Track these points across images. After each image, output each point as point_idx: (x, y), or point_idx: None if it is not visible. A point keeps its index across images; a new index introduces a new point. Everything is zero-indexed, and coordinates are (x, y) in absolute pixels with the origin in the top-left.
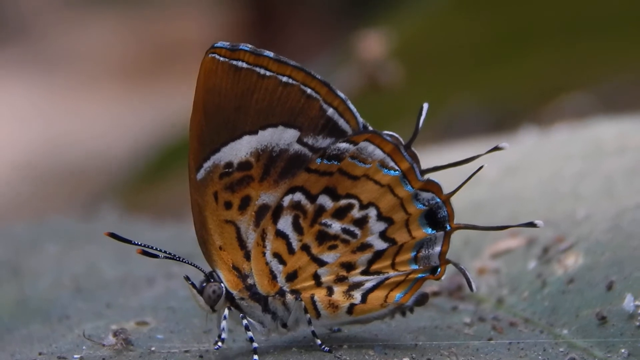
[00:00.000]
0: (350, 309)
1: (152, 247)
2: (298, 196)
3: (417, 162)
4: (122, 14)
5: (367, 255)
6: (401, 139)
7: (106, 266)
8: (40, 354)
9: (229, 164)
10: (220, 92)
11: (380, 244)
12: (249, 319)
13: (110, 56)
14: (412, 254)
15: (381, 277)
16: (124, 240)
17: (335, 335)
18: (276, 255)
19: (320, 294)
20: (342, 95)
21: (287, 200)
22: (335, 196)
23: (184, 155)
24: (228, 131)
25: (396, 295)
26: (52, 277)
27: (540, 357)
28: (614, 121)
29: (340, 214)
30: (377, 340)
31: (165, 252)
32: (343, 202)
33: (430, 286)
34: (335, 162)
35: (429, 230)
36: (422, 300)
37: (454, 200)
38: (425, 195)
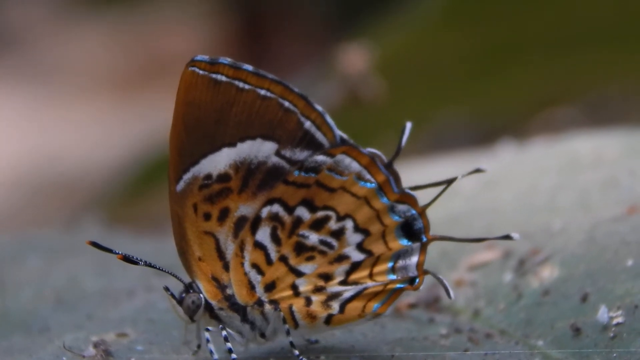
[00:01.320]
0: (328, 319)
1: (133, 257)
2: (276, 208)
3: (397, 178)
4: (113, 27)
5: (344, 266)
6: (380, 154)
7: (87, 278)
8: None
9: (208, 176)
10: (200, 105)
11: (357, 255)
12: (228, 330)
13: (99, 69)
14: (390, 264)
15: (359, 287)
16: (105, 249)
17: (312, 347)
18: (255, 265)
19: (298, 304)
20: (319, 108)
21: (265, 211)
22: (312, 208)
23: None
24: (207, 144)
25: (374, 305)
26: (34, 290)
27: None
28: (590, 135)
29: (317, 225)
30: (354, 352)
31: (145, 261)
32: (320, 214)
33: (407, 298)
34: (313, 175)
35: (405, 242)
36: None
37: (430, 213)
38: (401, 207)
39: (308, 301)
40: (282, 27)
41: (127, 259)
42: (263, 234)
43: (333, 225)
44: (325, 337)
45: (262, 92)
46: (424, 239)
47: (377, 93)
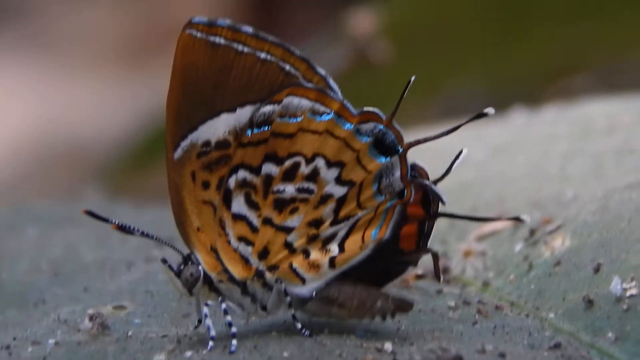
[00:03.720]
0: (332, 262)
1: (129, 226)
2: (242, 174)
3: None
4: None
5: (330, 206)
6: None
7: (85, 249)
8: (14, 338)
9: (206, 143)
10: (198, 69)
11: (339, 190)
12: (228, 302)
13: (108, 38)
14: (374, 187)
15: (351, 220)
16: (101, 218)
17: (316, 320)
18: (241, 238)
19: (297, 260)
20: (322, 71)
21: (232, 181)
22: (278, 160)
23: None
24: (206, 109)
25: (372, 232)
26: (30, 261)
27: (525, 342)
28: (603, 101)
29: (289, 175)
30: (359, 325)
31: (141, 231)
32: (288, 163)
33: (415, 270)
34: (266, 128)
35: (383, 159)
36: (404, 307)
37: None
38: (366, 126)
39: (306, 253)
40: None
41: (121, 228)
42: (238, 204)
43: (304, 169)
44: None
45: (262, 55)
46: (400, 150)
47: (385, 56)
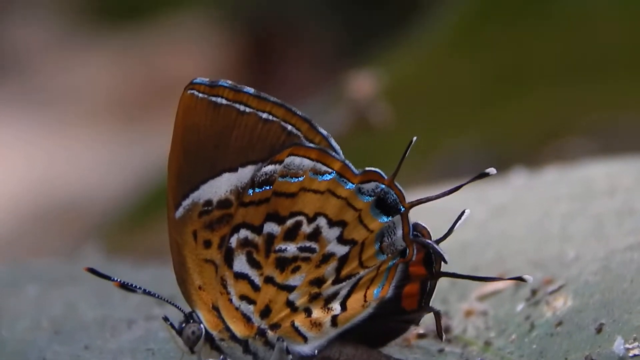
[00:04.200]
0: (334, 320)
1: (130, 285)
2: (244, 233)
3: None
4: (118, 52)
5: (332, 265)
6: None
7: (86, 308)
8: None
9: (208, 202)
10: (200, 129)
11: (341, 249)
12: None
13: (104, 94)
14: (376, 246)
15: (353, 279)
16: (103, 276)
17: None
18: (243, 297)
19: (299, 319)
20: (323, 132)
21: (234, 240)
22: (280, 219)
23: None
24: (207, 169)
25: (374, 291)
26: (31, 319)
27: None
28: (604, 163)
29: (291, 234)
30: None
31: (143, 289)
32: (290, 222)
33: (416, 329)
34: (268, 187)
35: (384, 218)
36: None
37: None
38: (368, 186)
39: (308, 312)
40: (289, 52)
41: (124, 286)
42: (240, 263)
43: (306, 228)
44: None
45: (264, 115)
46: (402, 209)
47: (385, 119)
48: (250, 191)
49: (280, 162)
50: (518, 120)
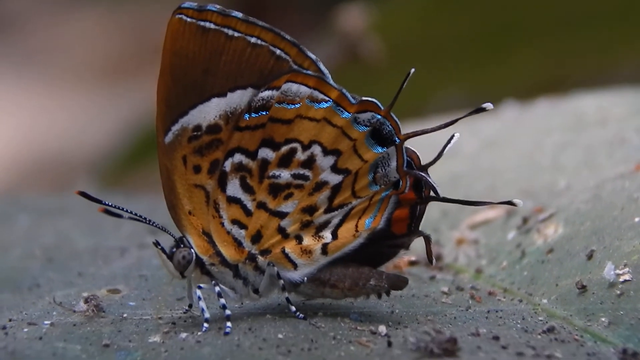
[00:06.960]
0: (324, 248)
1: (117, 207)
2: (238, 157)
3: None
4: (109, 10)
5: (325, 193)
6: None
7: (78, 237)
8: (10, 320)
9: (197, 127)
10: (188, 54)
11: (334, 178)
12: (221, 286)
13: (95, 53)
14: (370, 176)
15: (345, 209)
16: (94, 199)
17: (310, 303)
18: (235, 221)
19: (290, 245)
20: (312, 55)
21: (228, 164)
22: (274, 145)
23: None
24: (196, 94)
25: (365, 221)
26: (23, 248)
27: (518, 326)
28: (595, 95)
29: (285, 161)
30: (353, 308)
31: (130, 212)
32: (284, 148)
33: (408, 256)
34: (264, 113)
35: (379, 149)
36: (399, 284)
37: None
38: (364, 115)
39: (299, 239)
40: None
41: (110, 212)
42: (233, 187)
43: (301, 155)
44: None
45: (253, 39)
46: (397, 140)
47: (376, 53)
48: (247, 116)
49: (278, 88)
50: (510, 73)
